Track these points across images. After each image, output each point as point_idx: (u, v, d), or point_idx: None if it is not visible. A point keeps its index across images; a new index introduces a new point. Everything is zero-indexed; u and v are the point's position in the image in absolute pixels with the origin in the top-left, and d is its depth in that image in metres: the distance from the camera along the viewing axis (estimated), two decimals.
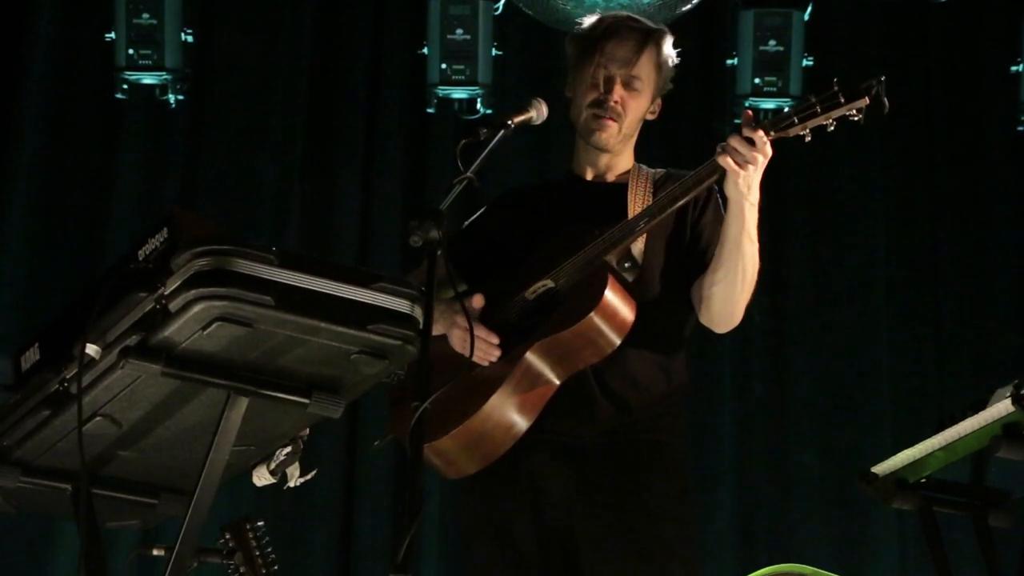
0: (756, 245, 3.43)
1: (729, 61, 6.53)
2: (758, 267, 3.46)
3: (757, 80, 6.46)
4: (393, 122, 6.66)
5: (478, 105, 6.53)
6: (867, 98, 3.23)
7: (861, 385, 6.37)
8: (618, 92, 3.58)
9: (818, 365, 6.40)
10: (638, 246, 3.47)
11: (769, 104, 6.45)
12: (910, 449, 4.14)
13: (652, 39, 3.64)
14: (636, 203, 3.54)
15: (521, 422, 3.39)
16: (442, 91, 6.53)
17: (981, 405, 3.93)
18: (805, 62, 6.50)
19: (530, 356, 3.37)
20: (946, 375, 6.32)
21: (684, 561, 3.46)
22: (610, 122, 3.59)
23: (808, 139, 3.32)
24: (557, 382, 3.40)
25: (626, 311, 3.37)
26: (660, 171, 3.68)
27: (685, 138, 6.18)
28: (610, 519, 3.41)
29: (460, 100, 6.56)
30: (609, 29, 3.63)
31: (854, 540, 6.19)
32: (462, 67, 6.50)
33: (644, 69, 3.62)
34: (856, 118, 3.26)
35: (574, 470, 3.45)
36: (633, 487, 3.44)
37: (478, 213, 3.81)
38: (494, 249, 3.65)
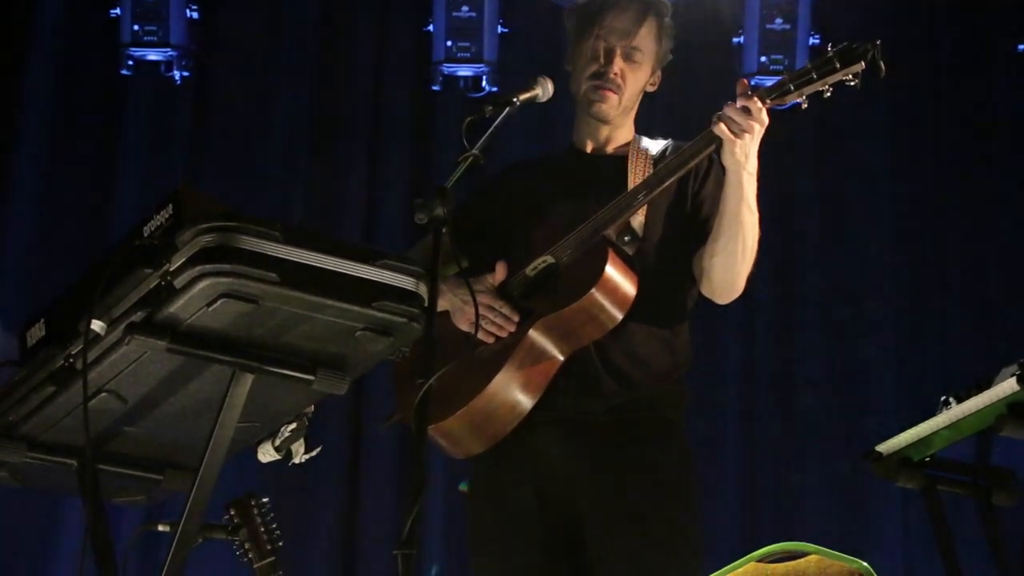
0: (756, 215, 3.42)
1: (735, 39, 6.52)
2: (758, 236, 3.45)
3: (763, 59, 6.45)
4: (398, 100, 6.66)
5: (483, 83, 6.53)
6: (863, 62, 3.20)
7: (867, 363, 6.37)
8: (618, 64, 3.58)
9: (825, 342, 6.40)
10: (638, 219, 3.47)
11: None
12: (915, 428, 4.15)
13: (652, 10, 3.63)
14: (636, 175, 3.54)
15: (526, 400, 3.39)
16: (447, 69, 6.53)
17: (986, 384, 3.93)
18: (812, 40, 6.49)
19: (533, 334, 3.37)
20: (951, 353, 6.32)
21: (689, 539, 3.46)
22: (610, 93, 3.59)
23: (804, 106, 3.31)
24: (561, 358, 3.40)
25: (628, 286, 3.37)
26: (661, 141, 3.67)
27: (691, 117, 6.17)
28: (615, 496, 3.41)
29: (465, 78, 6.56)
30: (609, 1, 3.62)
31: (858, 518, 6.20)
32: (468, 44, 6.50)
33: (644, 40, 3.61)
34: (853, 83, 3.24)
35: (579, 447, 3.45)
36: (638, 464, 3.44)
37: (478, 188, 3.81)
38: (495, 225, 3.65)
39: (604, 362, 3.44)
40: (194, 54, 6.61)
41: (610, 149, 3.66)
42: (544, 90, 3.39)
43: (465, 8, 6.51)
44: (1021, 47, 6.45)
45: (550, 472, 3.45)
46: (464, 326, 3.46)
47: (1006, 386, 3.82)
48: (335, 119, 6.63)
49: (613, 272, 3.35)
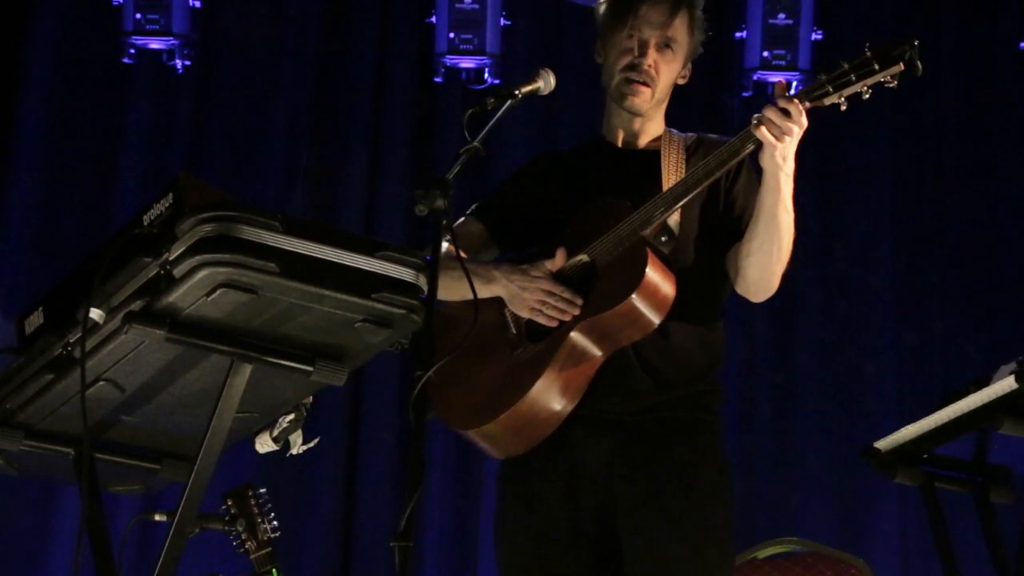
0: (791, 215, 3.39)
1: (738, 34, 6.52)
2: (793, 236, 3.43)
3: (766, 54, 6.45)
4: (400, 91, 6.65)
5: (486, 75, 6.53)
6: (901, 63, 3.17)
7: (866, 360, 6.37)
8: (652, 56, 3.54)
9: (823, 341, 6.40)
10: (674, 218, 3.44)
11: (778, 78, 6.43)
12: (913, 425, 4.15)
13: (686, 1, 3.58)
14: (670, 171, 3.51)
15: (568, 402, 3.37)
16: (450, 60, 6.53)
17: (985, 381, 3.93)
18: (814, 36, 6.49)
19: (574, 335, 3.34)
20: (951, 350, 6.32)
21: (720, 542, 3.43)
22: (643, 87, 3.55)
23: (844, 107, 3.27)
24: (601, 358, 3.38)
25: (667, 288, 3.34)
26: (691, 136, 3.64)
27: (692, 112, 6.17)
28: (649, 497, 3.38)
29: (468, 70, 6.55)
30: None
31: (855, 515, 6.20)
32: (470, 36, 6.50)
33: (678, 32, 3.57)
34: (891, 84, 3.21)
35: (613, 445, 3.42)
36: (673, 465, 3.41)
37: (511, 177, 3.78)
38: (527, 216, 3.63)
39: (640, 360, 3.42)
40: (196, 43, 6.61)
41: (642, 143, 3.63)
42: (546, 83, 3.38)
43: (468, 0, 6.50)
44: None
45: (582, 470, 3.43)
46: (524, 312, 3.42)
47: (1004, 384, 3.83)
48: (337, 110, 6.62)
49: (653, 275, 3.32)
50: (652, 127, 3.63)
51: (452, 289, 3.29)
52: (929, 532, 4.38)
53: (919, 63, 3.15)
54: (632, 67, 3.54)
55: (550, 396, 3.35)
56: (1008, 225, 6.46)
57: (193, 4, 6.58)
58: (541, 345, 3.39)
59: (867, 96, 3.22)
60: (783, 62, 6.44)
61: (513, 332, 3.47)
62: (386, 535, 2.91)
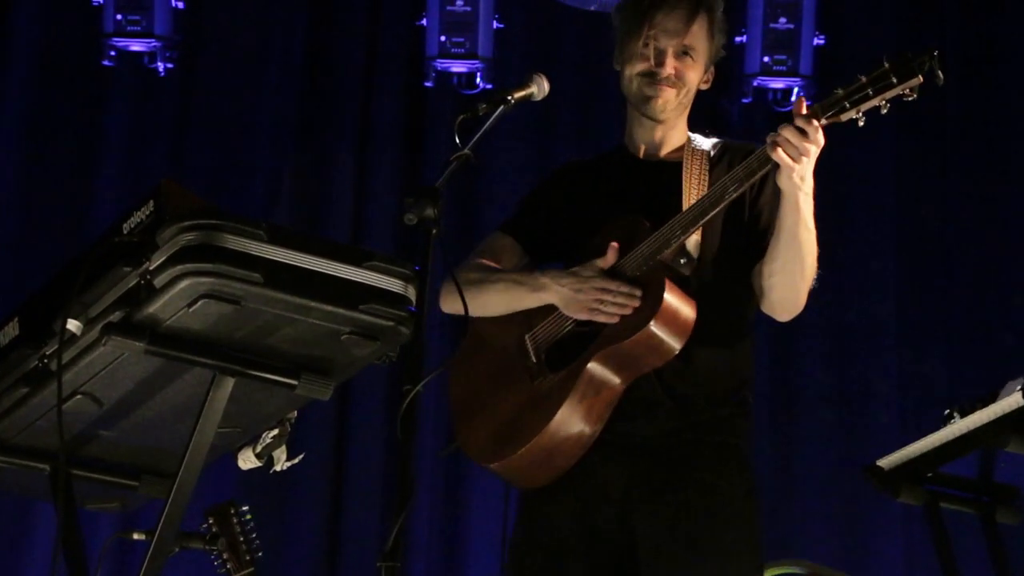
0: (813, 232, 3.37)
1: (737, 38, 6.52)
2: (816, 253, 3.41)
3: (766, 59, 6.45)
4: (390, 96, 6.65)
5: (478, 79, 6.53)
6: (920, 76, 3.12)
7: (868, 375, 6.37)
8: (671, 64, 3.52)
9: (825, 355, 6.40)
10: (693, 238, 3.42)
11: (778, 84, 6.45)
12: (917, 443, 4.15)
13: (703, 5, 3.55)
14: (691, 184, 3.49)
15: (590, 431, 3.37)
16: (441, 64, 6.53)
17: (991, 398, 3.93)
18: (816, 41, 6.49)
19: (593, 365, 3.34)
20: (956, 366, 6.32)
21: (741, 570, 3.43)
22: (667, 88, 3.54)
23: (862, 123, 3.24)
24: (622, 385, 3.38)
25: (686, 312, 3.34)
26: (716, 142, 3.62)
27: (691, 118, 6.17)
28: (671, 521, 3.37)
29: (459, 74, 6.55)
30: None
31: (857, 535, 6.20)
32: (462, 40, 6.50)
33: (696, 39, 3.55)
34: (910, 98, 3.18)
35: (634, 469, 3.41)
36: (696, 489, 3.40)
37: (535, 190, 3.77)
38: (553, 228, 3.62)
39: (663, 384, 3.41)
40: (179, 45, 6.60)
41: (664, 152, 3.61)
42: (540, 88, 3.37)
43: (460, 2, 6.50)
44: None
45: (601, 493, 3.43)
46: (581, 314, 3.39)
47: (1011, 400, 3.83)
48: (324, 115, 6.62)
49: (671, 301, 3.32)
50: (674, 136, 3.62)
51: (487, 304, 3.36)
52: (934, 553, 4.37)
53: (940, 73, 3.12)
54: (650, 73, 3.53)
55: (571, 427, 3.36)
56: (1016, 235, 6.46)
57: (176, 5, 6.57)
58: (561, 374, 3.40)
59: (885, 111, 3.19)
60: (784, 67, 6.44)
61: (533, 360, 3.48)
62: (373, 555, 2.90)
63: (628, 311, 3.35)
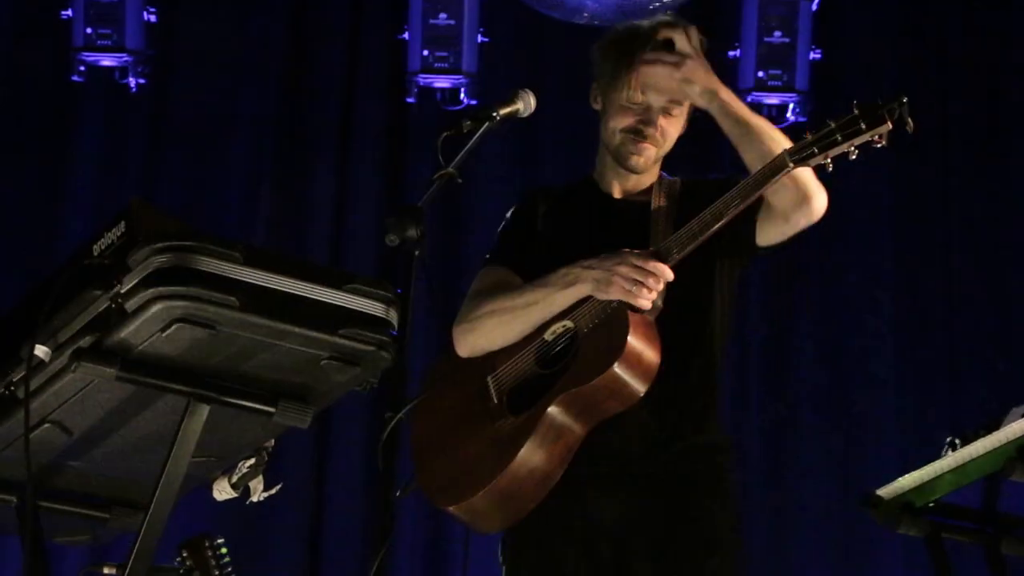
0: (759, 118, 3.42)
1: (731, 53, 6.54)
2: (778, 136, 3.39)
3: (761, 74, 6.47)
4: (370, 112, 6.67)
5: (462, 95, 6.54)
6: (889, 123, 3.18)
7: (866, 400, 6.39)
8: (658, 124, 3.54)
9: (821, 377, 6.42)
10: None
11: (773, 99, 6.47)
12: (918, 471, 4.15)
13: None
14: (659, 227, 3.51)
15: (550, 475, 3.39)
16: (423, 79, 6.54)
17: (995, 425, 3.94)
18: (812, 55, 6.52)
19: (552, 410, 3.35)
20: (958, 391, 6.34)
21: None
22: (648, 146, 3.55)
23: (830, 168, 3.27)
24: (582, 433, 3.40)
25: (651, 355, 3.34)
26: (677, 181, 3.64)
27: (682, 134, 6.20)
28: (665, 549, 3.43)
29: (442, 89, 6.57)
30: (641, 44, 3.51)
31: (857, 568, 6.21)
32: (445, 54, 6.52)
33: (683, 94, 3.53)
34: (880, 144, 3.21)
35: (627, 500, 3.46)
36: (689, 517, 3.45)
37: (510, 221, 3.72)
38: (536, 255, 3.61)
39: (652, 414, 3.44)
40: (151, 60, 6.61)
41: (634, 191, 3.63)
42: (526, 104, 3.38)
43: (443, 15, 6.52)
44: None
45: (598, 526, 3.46)
46: (616, 294, 3.32)
47: (1016, 427, 3.83)
48: (301, 132, 6.64)
49: (635, 344, 3.32)
50: (647, 178, 3.64)
51: (514, 323, 3.43)
52: None
53: (910, 120, 3.17)
54: (635, 130, 3.53)
55: (531, 470, 3.37)
56: (1018, 251, 6.49)
57: (148, 19, 6.58)
58: (521, 418, 3.40)
59: (854, 157, 3.23)
60: (779, 83, 6.47)
61: (495, 402, 3.49)
62: None
63: (660, 286, 3.31)
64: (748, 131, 3.40)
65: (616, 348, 3.30)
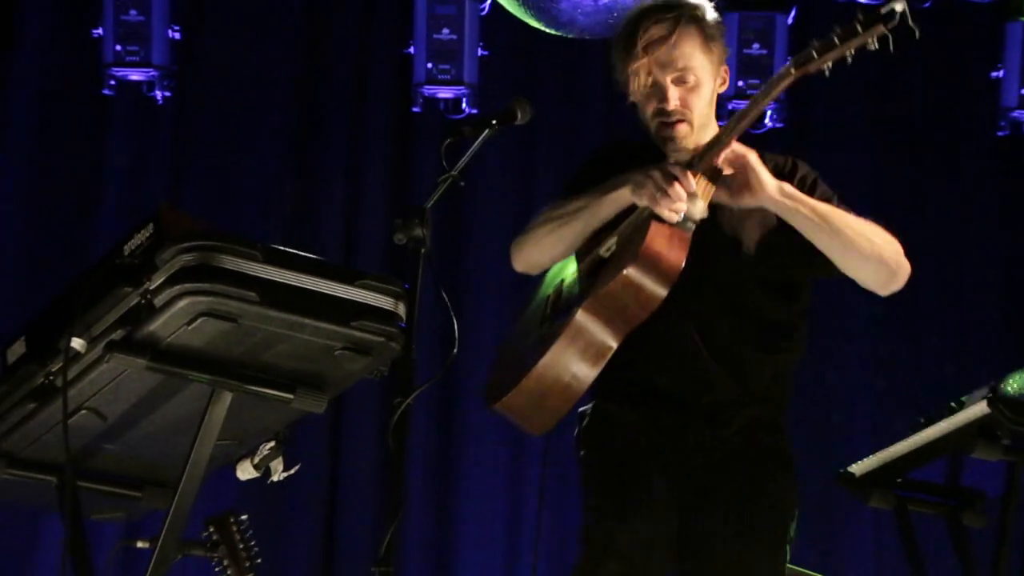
0: (831, 215, 3.32)
1: None
2: (861, 228, 3.34)
3: (740, 83, 6.46)
4: (379, 121, 6.66)
5: (463, 104, 6.54)
6: (883, 26, 3.07)
7: (839, 382, 6.39)
8: (674, 96, 3.36)
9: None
10: (753, 234, 3.36)
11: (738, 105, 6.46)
12: (887, 449, 4.17)
13: (684, 18, 3.38)
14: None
15: (579, 379, 3.27)
16: (428, 90, 6.54)
17: (958, 406, 3.96)
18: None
19: (579, 315, 3.23)
20: (923, 374, 6.34)
21: (780, 562, 3.36)
22: (679, 125, 3.38)
23: (827, 73, 3.18)
24: (612, 341, 3.25)
25: (670, 259, 3.19)
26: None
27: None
28: (730, 505, 3.31)
29: (446, 99, 6.57)
30: (636, 25, 3.38)
31: (830, 539, 6.21)
32: (448, 67, 6.51)
33: (689, 59, 3.37)
34: (873, 48, 3.10)
35: (701, 471, 3.34)
36: (757, 488, 3.34)
37: (585, 164, 3.59)
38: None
39: (712, 358, 3.36)
40: (176, 75, 6.61)
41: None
42: (523, 112, 3.38)
43: (446, 31, 6.52)
44: (995, 74, 6.49)
45: (673, 450, 3.35)
46: (645, 199, 3.20)
47: (977, 409, 3.85)
48: (316, 140, 6.63)
49: (653, 247, 3.17)
50: (705, 135, 3.43)
51: (565, 231, 3.34)
52: (903, 555, 4.39)
53: (914, 26, 3.06)
54: (660, 112, 3.37)
55: (559, 371, 3.25)
56: (982, 248, 6.49)
57: (173, 36, 6.59)
58: (557, 324, 3.32)
59: (850, 61, 3.15)
60: (757, 91, 6.43)
61: (548, 312, 3.42)
62: (367, 561, 2.91)
63: (684, 193, 3.19)
64: (815, 230, 3.30)
65: (634, 253, 3.17)
